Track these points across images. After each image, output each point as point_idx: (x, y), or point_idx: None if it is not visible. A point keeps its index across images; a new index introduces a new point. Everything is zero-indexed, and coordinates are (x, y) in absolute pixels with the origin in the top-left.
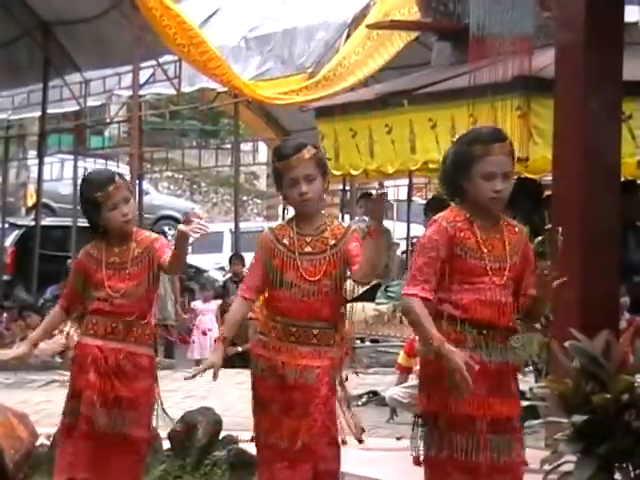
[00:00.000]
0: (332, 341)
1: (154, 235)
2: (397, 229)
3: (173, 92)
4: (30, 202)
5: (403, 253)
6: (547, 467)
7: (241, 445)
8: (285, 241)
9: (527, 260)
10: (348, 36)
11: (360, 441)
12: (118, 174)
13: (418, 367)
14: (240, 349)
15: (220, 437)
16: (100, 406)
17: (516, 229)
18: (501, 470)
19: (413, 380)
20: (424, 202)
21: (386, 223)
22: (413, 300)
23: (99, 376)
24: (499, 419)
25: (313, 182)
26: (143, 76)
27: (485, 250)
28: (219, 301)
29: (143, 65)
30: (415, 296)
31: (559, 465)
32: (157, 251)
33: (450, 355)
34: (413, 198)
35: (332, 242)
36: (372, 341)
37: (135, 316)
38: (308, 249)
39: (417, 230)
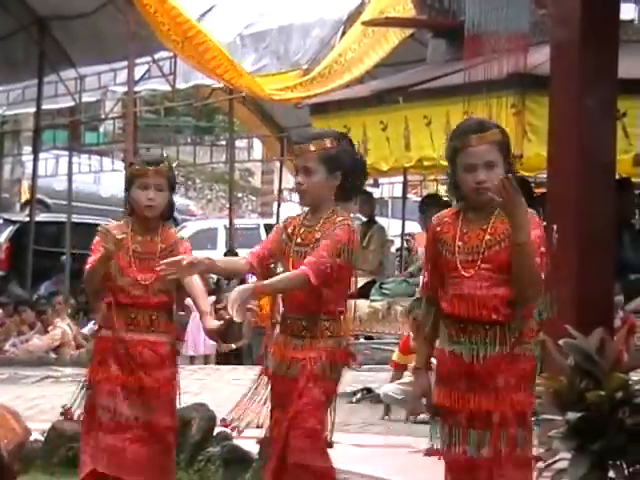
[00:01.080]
0: (325, 333)
1: (178, 235)
2: (392, 226)
3: (168, 88)
4: (24, 198)
5: (397, 250)
6: (541, 465)
7: (235, 441)
8: (289, 230)
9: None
10: (343, 33)
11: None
12: (168, 160)
13: (413, 364)
14: (234, 346)
15: (214, 433)
16: (124, 398)
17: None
18: (482, 466)
19: (408, 377)
20: (419, 199)
21: (380, 220)
22: (422, 307)
23: (121, 368)
24: (478, 413)
25: (311, 175)
26: (138, 72)
27: (460, 244)
28: (213, 297)
29: (138, 61)
30: (422, 298)
31: (553, 462)
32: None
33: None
34: (408, 195)
35: (317, 236)
36: (366, 338)
37: (156, 307)
38: (299, 240)
39: (412, 227)
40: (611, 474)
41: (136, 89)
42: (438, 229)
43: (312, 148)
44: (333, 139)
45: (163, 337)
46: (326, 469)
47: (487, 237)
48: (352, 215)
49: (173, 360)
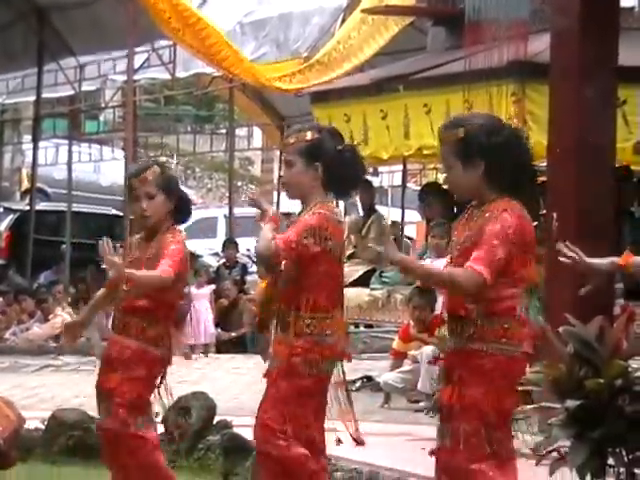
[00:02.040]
0: (305, 330)
1: (171, 239)
2: (391, 215)
3: (168, 77)
4: (23, 186)
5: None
6: (540, 452)
7: (235, 430)
8: None
9: (479, 240)
10: (343, 21)
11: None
12: (160, 165)
13: (413, 352)
14: (234, 334)
15: (214, 422)
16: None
17: (487, 214)
18: (439, 457)
19: (407, 365)
20: (418, 188)
21: (380, 209)
22: None
23: (101, 367)
24: (443, 406)
25: (291, 167)
26: (138, 61)
27: (455, 239)
28: (213, 286)
29: (138, 50)
30: None
31: (552, 450)
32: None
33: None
34: (407, 184)
35: None
36: (366, 326)
37: (132, 311)
38: None
39: (411, 216)
40: (610, 461)
41: (136, 78)
42: (455, 225)
43: (291, 141)
44: (315, 131)
45: (129, 340)
46: (293, 458)
47: (466, 232)
48: (349, 201)
49: (132, 364)
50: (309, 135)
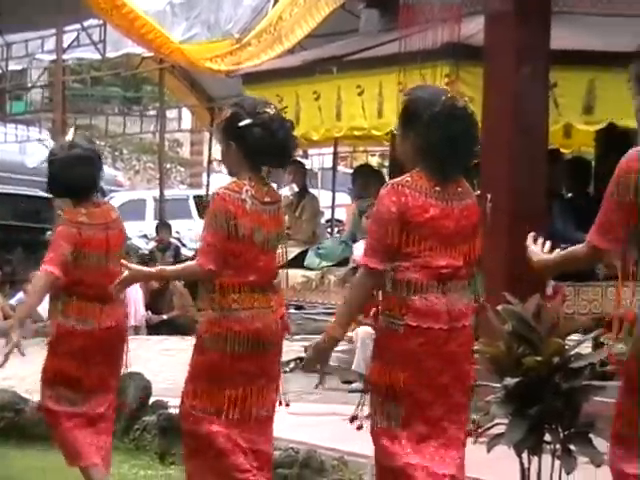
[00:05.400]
0: (209, 304)
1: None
2: (322, 197)
3: (98, 57)
4: None
5: (327, 221)
6: (477, 430)
7: (171, 410)
8: None
9: None
10: (275, 2)
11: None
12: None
13: (348, 333)
14: (165, 317)
15: (150, 402)
16: None
17: None
18: None
19: (342, 345)
20: (349, 171)
21: (311, 191)
22: None
23: None
24: None
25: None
26: (67, 40)
27: None
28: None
29: (67, 29)
30: None
31: (490, 427)
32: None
33: None
34: (338, 167)
35: None
36: (297, 308)
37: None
38: None
39: (342, 199)
40: (547, 438)
41: (65, 57)
42: None
43: (217, 120)
44: (231, 109)
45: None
46: (201, 433)
47: None
48: (284, 185)
49: (53, 339)
50: (227, 113)
